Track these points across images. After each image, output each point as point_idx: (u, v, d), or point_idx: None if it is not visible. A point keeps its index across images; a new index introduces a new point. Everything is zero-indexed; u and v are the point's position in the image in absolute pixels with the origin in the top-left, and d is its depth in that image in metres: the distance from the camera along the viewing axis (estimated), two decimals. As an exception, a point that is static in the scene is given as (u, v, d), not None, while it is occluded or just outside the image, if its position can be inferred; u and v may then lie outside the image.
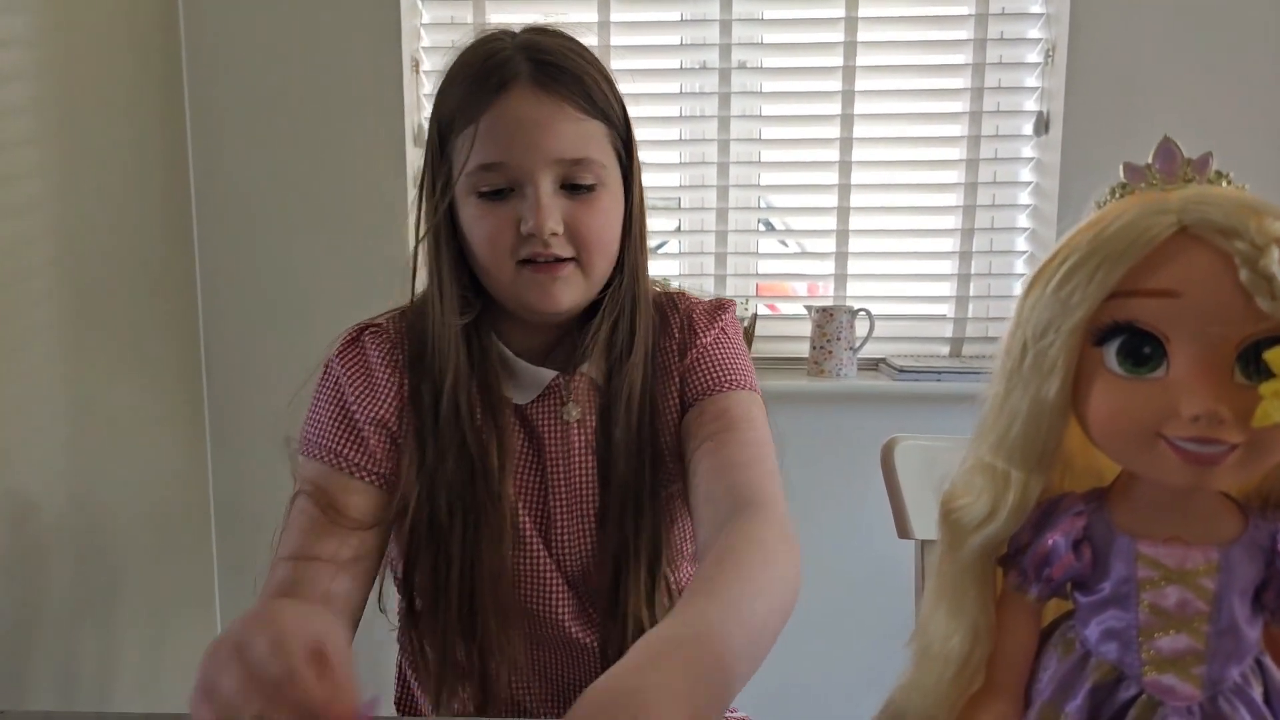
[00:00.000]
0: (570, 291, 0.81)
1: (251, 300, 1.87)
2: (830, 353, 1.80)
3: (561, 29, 0.84)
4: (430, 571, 0.82)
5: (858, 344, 1.83)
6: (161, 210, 1.75)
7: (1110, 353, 0.40)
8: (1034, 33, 1.82)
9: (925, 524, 1.04)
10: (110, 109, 1.59)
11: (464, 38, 0.84)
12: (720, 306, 0.93)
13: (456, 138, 0.80)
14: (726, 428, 0.82)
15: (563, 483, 0.87)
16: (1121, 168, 0.42)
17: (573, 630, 0.87)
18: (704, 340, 0.88)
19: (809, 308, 1.84)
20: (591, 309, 0.86)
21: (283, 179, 1.84)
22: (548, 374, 0.86)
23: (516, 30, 0.83)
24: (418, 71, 1.86)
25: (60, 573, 1.45)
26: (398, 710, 0.98)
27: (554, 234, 0.78)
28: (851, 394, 1.82)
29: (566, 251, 0.80)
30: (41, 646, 1.40)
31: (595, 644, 0.88)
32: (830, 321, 1.80)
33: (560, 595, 0.87)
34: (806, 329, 1.87)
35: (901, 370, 1.79)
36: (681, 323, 0.90)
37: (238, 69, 1.80)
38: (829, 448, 1.79)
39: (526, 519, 0.86)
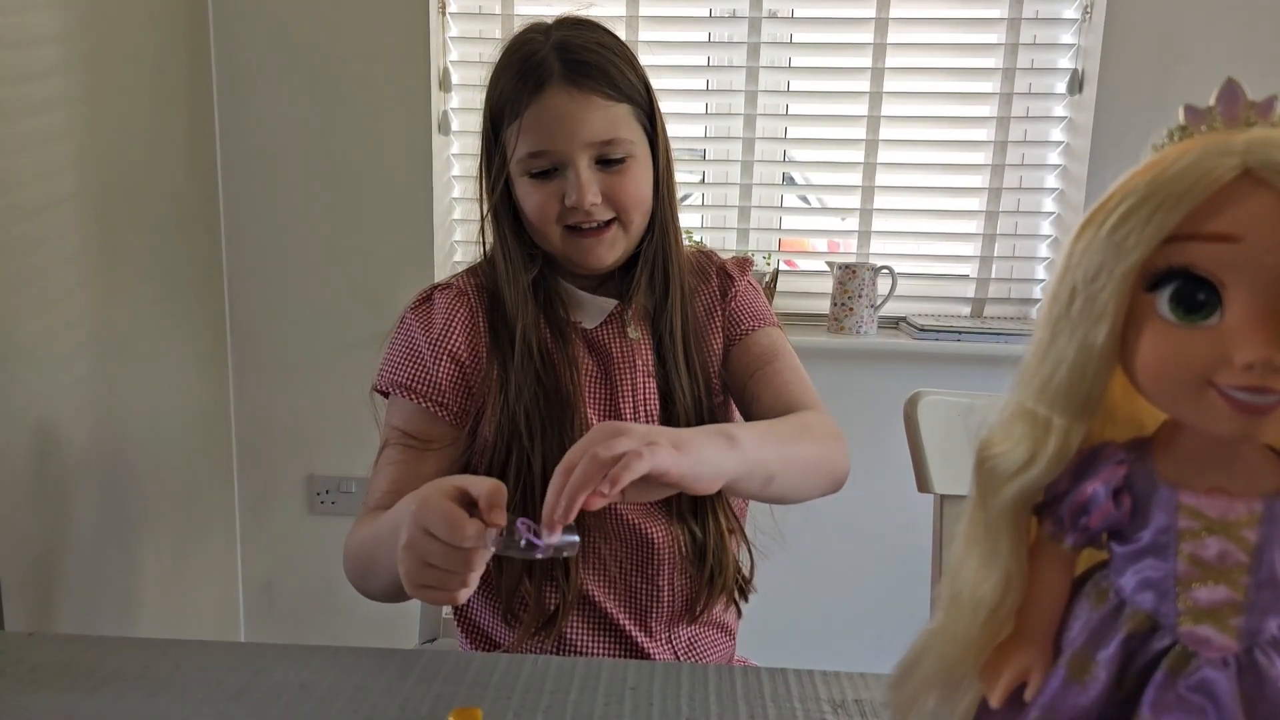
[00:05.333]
0: (613, 250, 0.98)
1: (275, 237, 1.87)
2: (851, 310, 1.80)
3: (590, 19, 0.98)
4: (516, 484, 0.95)
5: (879, 302, 1.83)
6: (186, 143, 1.75)
7: (1163, 299, 0.39)
8: (1072, -13, 1.79)
9: (946, 478, 1.04)
10: (136, 41, 1.58)
11: (507, 33, 1.00)
12: (747, 261, 1.11)
13: (506, 129, 0.96)
14: (773, 358, 1.02)
15: (629, 388, 1.01)
16: (1181, 110, 0.41)
17: (632, 520, 0.99)
18: (739, 285, 1.07)
19: (831, 264, 1.83)
20: (632, 258, 1.01)
21: (307, 119, 1.83)
22: (610, 301, 1.02)
23: (550, 22, 0.97)
24: (444, 13, 1.83)
25: (85, 501, 1.47)
26: (455, 614, 1.09)
27: (594, 204, 0.94)
28: (871, 352, 1.81)
29: (606, 215, 0.96)
30: (67, 572, 1.43)
31: (653, 535, 1.00)
32: (853, 279, 1.79)
33: None
34: (826, 285, 1.86)
35: (922, 329, 1.79)
36: (717, 271, 1.08)
37: (264, 6, 1.78)
38: (847, 405, 1.78)
39: (595, 419, 0.99)
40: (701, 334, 1.04)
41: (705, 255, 1.09)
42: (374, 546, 0.85)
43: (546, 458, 0.94)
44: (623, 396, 1.00)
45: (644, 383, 1.01)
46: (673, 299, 1.00)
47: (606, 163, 0.95)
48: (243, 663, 0.75)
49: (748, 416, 1.03)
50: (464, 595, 0.70)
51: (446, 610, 1.29)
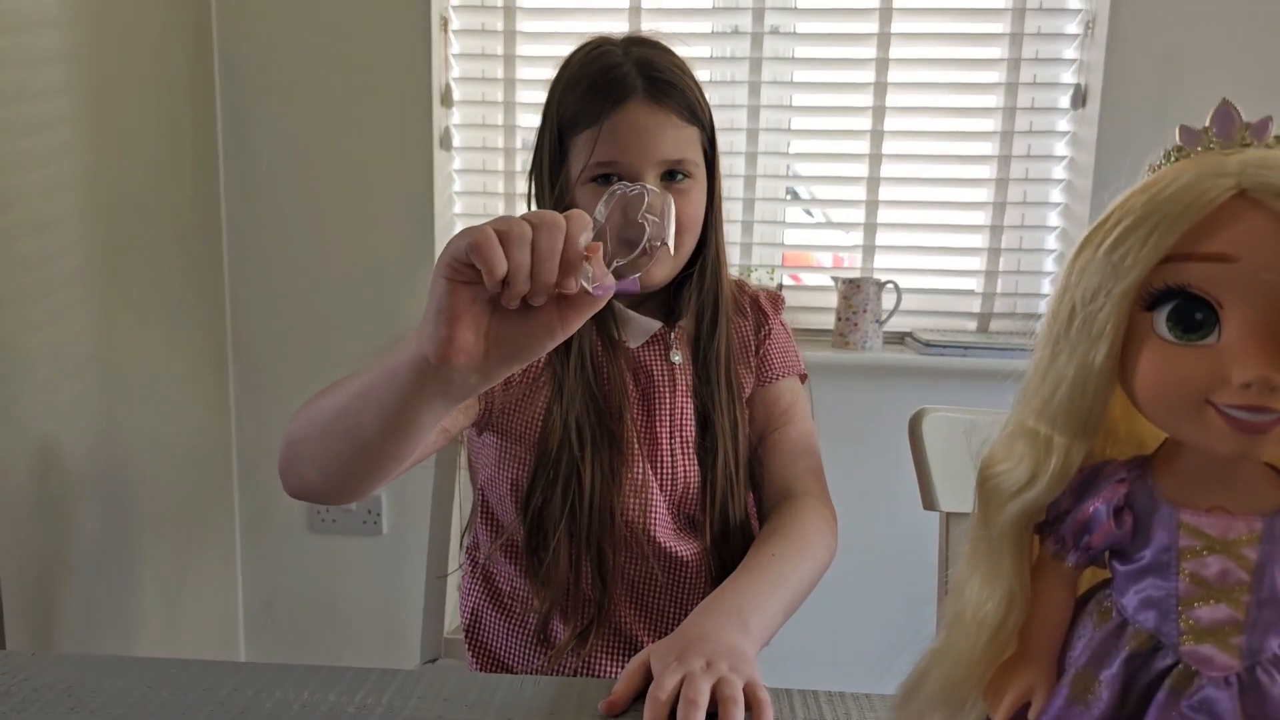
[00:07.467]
0: (662, 268, 0.97)
1: (277, 253, 1.88)
2: (856, 325, 1.79)
3: (660, 40, 1.00)
4: (565, 493, 0.96)
5: (884, 316, 1.82)
6: (190, 160, 1.76)
7: (1161, 318, 0.39)
8: (1074, 3, 1.79)
9: (951, 496, 1.03)
10: (139, 57, 1.59)
11: (575, 47, 1.00)
12: (779, 297, 1.12)
13: (578, 136, 0.96)
14: (787, 421, 1.05)
15: (667, 412, 1.01)
16: (1177, 130, 0.41)
17: (662, 543, 1.00)
18: (772, 324, 1.09)
19: (836, 279, 1.83)
20: (674, 281, 1.02)
21: (309, 135, 1.84)
22: (655, 324, 1.03)
23: (619, 39, 0.99)
24: (446, 30, 1.84)
25: (86, 518, 1.47)
26: (466, 636, 1.09)
27: None
28: (876, 367, 1.81)
29: None
30: (68, 590, 1.43)
31: (682, 558, 1.01)
32: (857, 293, 1.79)
33: (657, 507, 1.00)
34: (831, 300, 1.86)
35: (927, 344, 1.78)
36: (751, 303, 1.09)
37: (267, 24, 1.80)
38: (852, 420, 1.78)
39: (634, 440, 1.00)
40: (736, 361, 1.06)
41: (738, 285, 1.11)
42: (373, 378, 0.71)
43: (595, 472, 0.96)
44: (659, 420, 1.01)
45: (682, 406, 1.02)
46: (721, 323, 1.02)
47: (671, 181, 0.96)
48: (245, 683, 0.75)
49: (754, 473, 1.06)
50: (499, 267, 0.57)
51: (450, 627, 1.29)
